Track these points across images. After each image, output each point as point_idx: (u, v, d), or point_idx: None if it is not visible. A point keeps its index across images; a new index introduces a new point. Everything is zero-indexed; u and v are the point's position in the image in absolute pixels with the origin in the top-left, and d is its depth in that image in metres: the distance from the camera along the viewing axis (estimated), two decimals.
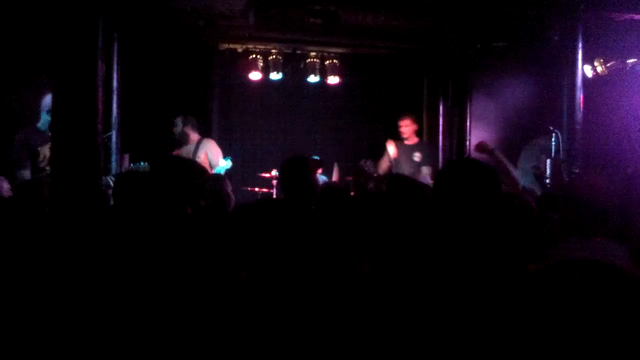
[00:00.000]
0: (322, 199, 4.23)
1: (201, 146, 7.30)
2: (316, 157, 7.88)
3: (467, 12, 7.34)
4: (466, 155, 8.54)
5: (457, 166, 2.66)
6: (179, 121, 7.38)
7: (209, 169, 6.85)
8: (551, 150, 6.92)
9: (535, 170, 6.93)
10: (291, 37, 8.35)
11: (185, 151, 7.19)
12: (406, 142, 8.02)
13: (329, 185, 5.45)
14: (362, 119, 9.58)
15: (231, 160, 7.09)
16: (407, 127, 8.00)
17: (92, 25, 4.13)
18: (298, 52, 8.92)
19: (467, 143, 8.89)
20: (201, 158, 7.17)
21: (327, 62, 9.05)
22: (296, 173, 3.65)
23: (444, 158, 9.18)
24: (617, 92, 8.73)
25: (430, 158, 8.07)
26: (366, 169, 5.18)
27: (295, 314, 3.00)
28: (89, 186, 4.47)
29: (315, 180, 3.82)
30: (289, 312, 3.00)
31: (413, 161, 7.90)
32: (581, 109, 7.04)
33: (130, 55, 7.54)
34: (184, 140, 7.36)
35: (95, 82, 4.16)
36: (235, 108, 9.28)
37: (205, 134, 7.81)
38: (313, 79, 9.06)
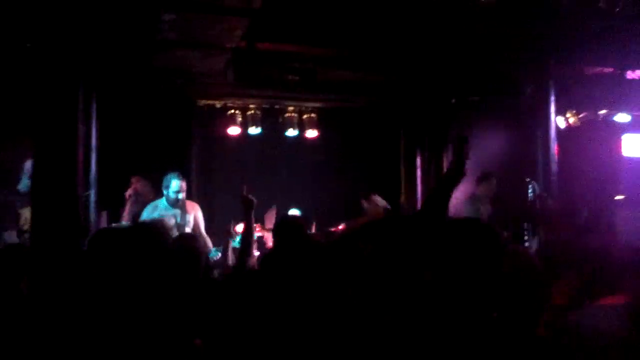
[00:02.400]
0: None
1: (189, 211, 6.81)
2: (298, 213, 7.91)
3: (442, 68, 7.51)
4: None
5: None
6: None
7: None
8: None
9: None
10: (269, 93, 8.45)
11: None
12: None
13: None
14: (341, 171, 9.63)
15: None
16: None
17: (72, 89, 4.16)
18: (276, 106, 9.01)
19: None
20: (191, 224, 6.74)
21: (305, 116, 9.14)
22: (293, 234, 3.73)
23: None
24: (590, 143, 8.94)
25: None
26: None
27: None
28: (70, 247, 4.44)
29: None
30: None
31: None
32: (556, 160, 7.19)
33: (109, 111, 7.54)
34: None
35: (75, 146, 4.18)
36: (215, 163, 9.27)
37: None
38: (291, 132, 9.13)
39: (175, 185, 6.64)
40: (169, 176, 6.70)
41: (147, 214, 6.67)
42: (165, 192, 6.70)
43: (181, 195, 6.67)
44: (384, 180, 9.64)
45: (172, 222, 6.58)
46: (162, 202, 6.76)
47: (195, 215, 6.85)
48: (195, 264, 3.92)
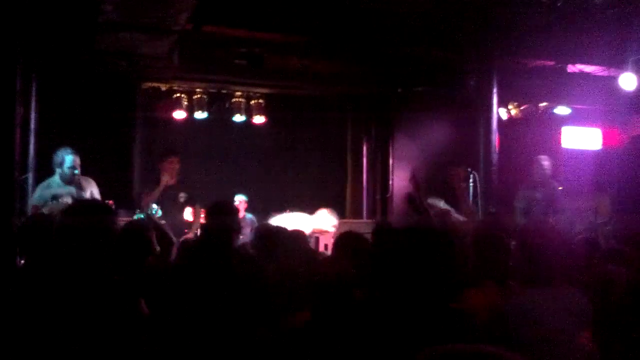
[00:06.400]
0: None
1: (85, 187, 6.44)
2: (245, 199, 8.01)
3: (389, 58, 7.58)
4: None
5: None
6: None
7: None
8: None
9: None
10: (216, 78, 8.36)
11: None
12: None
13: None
14: (288, 159, 9.64)
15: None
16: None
17: (9, 70, 4.04)
18: (223, 91, 8.93)
19: (390, 182, 9.07)
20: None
21: (253, 101, 9.09)
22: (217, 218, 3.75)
23: (367, 197, 9.35)
24: (530, 134, 9.16)
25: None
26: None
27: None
28: (3, 230, 4.34)
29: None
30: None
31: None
32: (497, 151, 7.34)
33: (49, 93, 7.35)
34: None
35: (12, 128, 4.06)
36: (159, 147, 9.13)
37: (127, 174, 7.64)
38: (239, 118, 9.07)
39: (69, 161, 6.30)
40: (61, 152, 6.33)
41: (40, 193, 6.30)
42: (58, 169, 6.33)
43: (76, 171, 6.32)
44: (330, 168, 9.71)
45: (68, 200, 6.12)
46: (54, 180, 6.38)
47: (92, 192, 6.48)
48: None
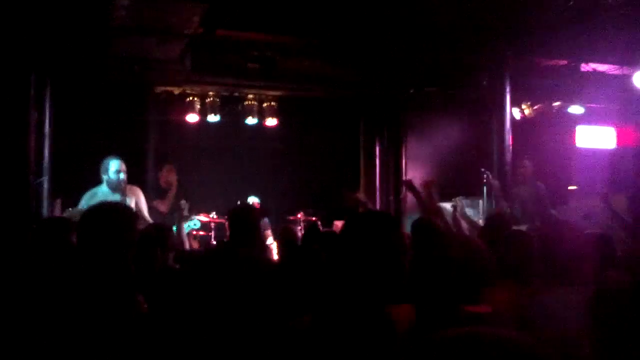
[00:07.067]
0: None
1: (130, 195, 6.28)
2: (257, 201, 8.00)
3: (400, 59, 7.56)
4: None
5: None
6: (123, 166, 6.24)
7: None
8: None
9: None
10: (229, 81, 8.37)
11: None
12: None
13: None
14: (300, 161, 9.64)
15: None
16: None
17: (23, 75, 4.08)
18: (235, 94, 8.95)
19: None
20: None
21: (265, 104, 9.10)
22: (245, 221, 3.72)
23: (380, 198, 9.32)
24: (544, 134, 9.12)
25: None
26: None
27: None
28: (19, 234, 4.37)
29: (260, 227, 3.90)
30: None
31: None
32: (510, 151, 7.31)
33: (63, 97, 7.39)
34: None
35: (26, 133, 4.10)
36: (172, 150, 9.18)
37: (140, 177, 7.66)
38: (251, 121, 9.09)
39: (114, 165, 6.09)
40: (107, 159, 6.16)
41: (86, 202, 6.06)
42: (105, 176, 6.12)
43: (122, 176, 6.11)
44: (343, 170, 9.70)
45: None
46: (101, 189, 6.19)
47: (137, 200, 6.36)
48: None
